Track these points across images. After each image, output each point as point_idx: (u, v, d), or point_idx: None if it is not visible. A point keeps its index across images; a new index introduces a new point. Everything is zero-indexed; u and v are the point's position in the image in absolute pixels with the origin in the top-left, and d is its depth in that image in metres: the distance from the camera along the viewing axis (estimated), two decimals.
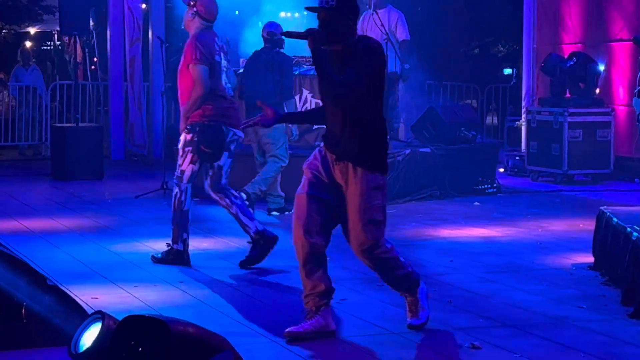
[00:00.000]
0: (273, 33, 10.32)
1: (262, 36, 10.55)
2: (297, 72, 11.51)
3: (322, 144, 5.65)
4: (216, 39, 7.87)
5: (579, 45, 13.78)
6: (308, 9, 5.64)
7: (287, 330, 5.44)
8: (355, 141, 5.41)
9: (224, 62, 7.87)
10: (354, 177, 5.40)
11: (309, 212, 5.45)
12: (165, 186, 11.61)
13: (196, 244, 8.06)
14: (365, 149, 5.43)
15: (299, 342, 5.36)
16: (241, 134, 7.84)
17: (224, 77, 7.86)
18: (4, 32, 26.21)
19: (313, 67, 11.23)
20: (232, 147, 7.75)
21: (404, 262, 5.62)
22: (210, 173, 7.72)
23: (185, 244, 7.71)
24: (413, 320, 5.63)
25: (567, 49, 13.76)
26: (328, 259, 5.64)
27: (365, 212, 5.39)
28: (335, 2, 5.36)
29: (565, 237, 8.91)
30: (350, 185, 5.42)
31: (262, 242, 7.64)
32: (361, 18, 12.82)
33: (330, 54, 5.46)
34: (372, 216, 5.41)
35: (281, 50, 10.43)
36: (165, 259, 7.74)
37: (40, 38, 27.07)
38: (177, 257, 7.71)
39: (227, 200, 7.73)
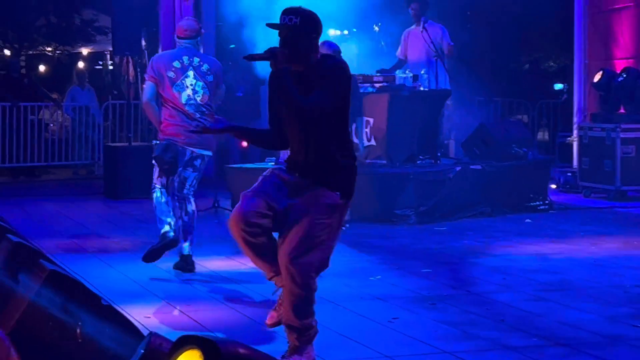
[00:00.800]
0: (337, 51, 10.28)
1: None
2: None
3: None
4: (184, 56, 8.17)
5: (631, 60, 13.66)
6: (269, 25, 5.21)
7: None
8: (320, 165, 5.16)
9: (189, 79, 8.10)
10: (312, 191, 5.12)
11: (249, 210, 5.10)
12: (217, 205, 11.67)
13: (244, 262, 8.07)
14: (331, 172, 5.15)
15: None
16: (204, 151, 8.15)
17: (184, 93, 8.06)
18: (58, 53, 26.50)
19: (364, 85, 11.34)
20: (196, 163, 8.16)
21: (313, 312, 5.17)
22: (177, 179, 8.22)
23: (171, 227, 8.06)
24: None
25: (619, 64, 13.65)
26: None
27: (308, 224, 5.03)
28: (299, 20, 5.10)
29: (620, 254, 8.83)
30: (306, 197, 5.11)
31: (180, 262, 8.22)
32: (405, 35, 12.80)
33: (290, 74, 5.14)
34: (315, 232, 5.04)
35: None
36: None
37: (92, 58, 27.35)
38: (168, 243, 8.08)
39: (181, 210, 8.22)
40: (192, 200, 8.32)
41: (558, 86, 22.16)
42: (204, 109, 8.12)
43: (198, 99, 8.12)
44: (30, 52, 26.21)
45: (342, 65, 5.21)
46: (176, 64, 8.12)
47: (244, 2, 12.80)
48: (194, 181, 8.29)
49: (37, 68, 26.90)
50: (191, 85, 8.11)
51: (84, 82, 18.01)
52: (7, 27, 24.56)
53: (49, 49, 26.31)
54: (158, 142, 8.35)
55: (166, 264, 8.58)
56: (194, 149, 8.11)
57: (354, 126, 10.10)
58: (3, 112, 16.46)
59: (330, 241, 5.15)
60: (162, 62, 8.18)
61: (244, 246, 5.18)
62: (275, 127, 5.37)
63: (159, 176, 8.21)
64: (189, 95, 8.08)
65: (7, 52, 24.94)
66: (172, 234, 8.04)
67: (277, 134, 5.37)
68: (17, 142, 16.50)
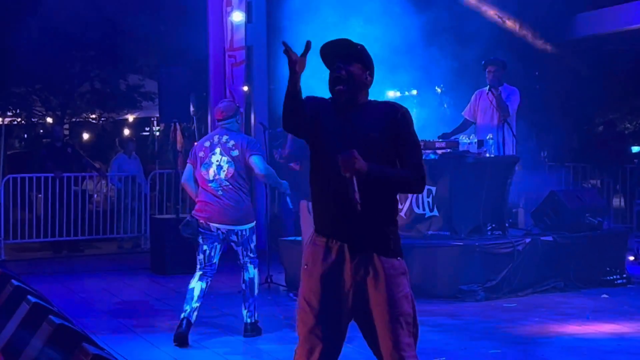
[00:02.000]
0: None
1: None
2: None
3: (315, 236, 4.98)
4: (216, 136, 9.04)
5: None
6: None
7: None
8: (374, 228, 4.85)
9: (215, 156, 8.88)
10: (377, 267, 4.81)
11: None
12: (270, 280, 11.69)
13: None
14: (386, 235, 4.88)
15: None
16: (231, 226, 8.87)
17: (211, 169, 8.89)
18: (102, 120, 26.79)
19: (426, 152, 11.35)
20: (232, 238, 8.95)
21: None
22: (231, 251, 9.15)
23: (185, 314, 8.82)
24: None
25: None
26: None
27: (394, 305, 4.78)
28: (356, 51, 4.93)
29: None
30: (376, 278, 4.80)
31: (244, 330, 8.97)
32: (475, 96, 12.86)
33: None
34: (404, 309, 4.80)
35: None
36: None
37: (138, 125, 27.66)
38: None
39: (241, 279, 9.07)
40: (249, 267, 9.03)
41: (635, 149, 22.04)
42: (228, 183, 8.84)
43: (222, 174, 8.85)
44: (74, 120, 26.53)
45: (403, 110, 4.95)
46: (207, 143, 9.02)
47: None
48: (244, 251, 8.99)
49: (80, 136, 27.21)
50: (217, 161, 8.89)
51: (130, 150, 18.15)
52: (49, 93, 24.89)
53: (93, 115, 26.60)
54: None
55: (220, 346, 8.62)
56: (219, 225, 8.89)
57: None
58: (45, 183, 16.67)
59: (415, 307, 4.89)
60: (198, 145, 9.11)
61: None
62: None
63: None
64: (214, 172, 8.88)
65: (49, 119, 25.27)
66: (184, 322, 8.75)
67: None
68: (60, 215, 16.66)
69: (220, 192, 8.81)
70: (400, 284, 4.82)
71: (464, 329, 9.14)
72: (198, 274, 8.96)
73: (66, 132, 23.47)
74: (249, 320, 8.91)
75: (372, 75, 5.00)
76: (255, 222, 9.08)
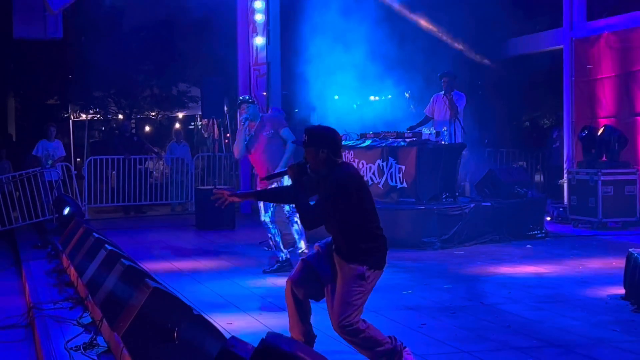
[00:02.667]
0: (282, 114, 10.54)
1: None
2: (384, 144, 11.55)
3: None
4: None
5: (613, 119, 13.56)
6: (294, 142, 5.33)
7: None
8: (345, 245, 5.02)
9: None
10: (342, 265, 5.01)
11: (301, 276, 5.17)
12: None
13: None
14: (354, 252, 4.99)
15: None
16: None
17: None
18: (159, 117, 26.81)
19: (397, 140, 11.35)
20: None
21: (382, 340, 5.02)
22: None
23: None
24: None
25: (603, 122, 13.58)
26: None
27: (345, 293, 4.95)
28: (307, 138, 5.02)
29: (601, 273, 8.70)
30: (341, 267, 5.02)
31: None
32: (433, 99, 12.84)
33: (318, 178, 5.07)
34: (351, 299, 4.95)
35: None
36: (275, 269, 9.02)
37: (186, 120, 27.62)
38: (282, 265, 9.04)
39: (292, 223, 9.14)
40: (293, 219, 9.03)
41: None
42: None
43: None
44: (139, 116, 26.53)
45: (338, 182, 4.93)
46: None
47: (300, 75, 12.96)
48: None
49: (144, 128, 27.20)
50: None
51: (180, 139, 18.17)
52: (120, 96, 24.97)
53: (153, 113, 26.62)
54: None
55: (246, 281, 8.62)
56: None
57: None
58: (118, 163, 16.67)
59: (362, 302, 5.03)
60: None
61: (289, 300, 5.22)
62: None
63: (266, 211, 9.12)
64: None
65: (120, 116, 25.29)
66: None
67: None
68: (128, 186, 16.68)
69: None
70: (357, 283, 4.96)
71: (424, 270, 9.14)
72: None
73: (133, 126, 23.41)
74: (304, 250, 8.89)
75: (327, 148, 5.00)
76: None
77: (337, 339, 5.82)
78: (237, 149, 9.21)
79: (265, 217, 9.08)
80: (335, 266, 5.07)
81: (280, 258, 9.08)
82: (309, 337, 5.27)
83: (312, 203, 5.04)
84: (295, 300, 5.21)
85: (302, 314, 5.24)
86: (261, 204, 9.08)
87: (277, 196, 5.80)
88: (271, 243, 9.27)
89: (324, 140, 5.03)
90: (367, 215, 5.02)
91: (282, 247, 9.11)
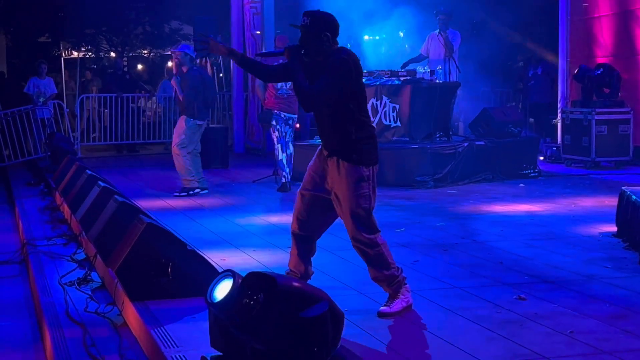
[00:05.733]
0: (192, 57, 11.14)
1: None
2: (377, 83, 11.49)
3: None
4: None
5: (611, 58, 13.47)
6: (292, 25, 5.20)
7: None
8: (337, 140, 4.95)
9: None
10: (341, 170, 4.93)
11: (300, 208, 5.15)
12: (276, 173, 11.67)
13: None
14: (348, 146, 4.92)
15: (381, 294, 5.31)
16: (290, 115, 10.55)
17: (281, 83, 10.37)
18: (152, 55, 26.60)
19: (391, 78, 11.29)
20: (290, 122, 10.62)
21: (391, 263, 5.03)
22: (282, 132, 10.62)
23: (285, 183, 10.48)
24: (385, 308, 5.00)
25: (600, 61, 13.48)
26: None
27: (351, 201, 4.90)
28: (309, 21, 4.89)
29: (594, 211, 8.75)
30: (340, 178, 4.94)
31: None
32: (428, 37, 12.76)
33: (313, 65, 4.92)
34: (359, 204, 4.91)
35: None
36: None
37: None
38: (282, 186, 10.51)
39: (287, 148, 10.61)
40: (290, 145, 10.58)
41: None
42: (291, 91, 10.08)
43: (288, 85, 10.19)
44: (131, 54, 26.32)
45: (341, 60, 4.83)
46: None
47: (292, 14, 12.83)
48: (292, 133, 10.62)
49: (136, 67, 27.01)
50: None
51: (172, 77, 18.01)
52: (112, 34, 24.73)
53: (145, 51, 26.41)
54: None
55: (240, 219, 8.65)
56: (284, 113, 10.43)
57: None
58: (110, 101, 16.58)
59: (372, 203, 5.00)
60: None
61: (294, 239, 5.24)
62: (274, 74, 5.25)
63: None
64: (283, 84, 10.25)
65: (112, 54, 25.09)
66: (287, 183, 10.48)
67: (272, 76, 5.36)
68: (121, 125, 16.61)
69: (286, 95, 10.36)
70: (359, 187, 4.93)
71: (418, 208, 9.17)
72: (278, 146, 10.47)
73: (125, 64, 23.21)
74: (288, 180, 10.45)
75: (329, 31, 4.90)
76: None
77: (331, 275, 5.87)
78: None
79: (282, 157, 10.46)
80: (329, 175, 5.01)
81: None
82: (307, 274, 5.26)
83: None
84: (298, 236, 5.18)
85: (304, 250, 5.21)
86: (278, 146, 10.47)
87: (260, 71, 5.31)
88: (283, 180, 10.52)
89: (326, 23, 4.94)
90: (361, 104, 4.98)
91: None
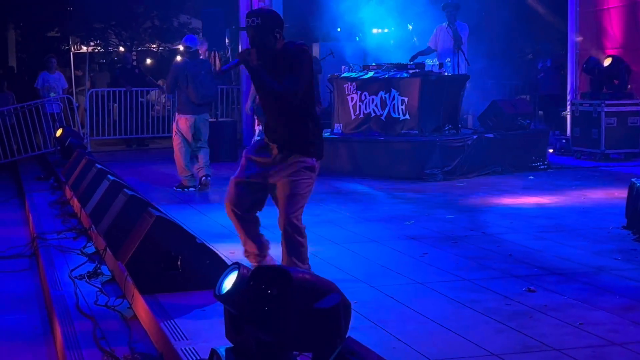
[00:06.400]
0: (189, 47, 10.57)
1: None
2: (386, 76, 11.47)
3: (263, 136, 5.21)
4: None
5: (620, 50, 13.41)
6: (239, 29, 5.23)
7: None
8: (296, 138, 5.03)
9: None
10: (292, 161, 5.05)
11: (236, 194, 5.22)
12: None
13: (308, 211, 8.09)
14: (307, 142, 5.04)
15: (390, 286, 5.32)
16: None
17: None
18: (160, 49, 26.64)
19: (400, 71, 11.27)
20: None
21: (307, 259, 5.17)
22: None
23: None
24: None
25: (609, 53, 13.43)
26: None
27: (299, 186, 5.04)
28: (260, 20, 4.87)
29: (603, 203, 8.73)
30: (288, 166, 5.05)
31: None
32: (437, 30, 12.73)
33: (266, 64, 4.90)
34: (305, 191, 5.06)
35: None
36: None
37: None
38: None
39: None
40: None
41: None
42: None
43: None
44: (140, 49, 26.37)
45: (304, 48, 4.89)
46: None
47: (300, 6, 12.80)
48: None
49: (145, 61, 27.05)
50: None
51: None
52: (121, 28, 24.79)
53: (154, 46, 26.45)
54: None
55: None
56: None
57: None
58: (120, 95, 16.60)
59: (309, 194, 5.14)
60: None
61: (233, 220, 5.32)
62: None
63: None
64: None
65: (121, 48, 25.13)
66: None
67: None
68: (131, 119, 16.62)
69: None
70: (307, 175, 5.06)
71: (427, 201, 9.16)
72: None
73: (134, 58, 23.26)
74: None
75: (279, 27, 4.93)
76: None
77: (341, 268, 5.88)
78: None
79: None
80: (269, 165, 5.09)
81: None
82: (262, 246, 5.42)
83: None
84: (238, 217, 5.29)
85: (249, 228, 5.34)
86: None
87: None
88: None
89: (275, 20, 4.98)
90: (313, 97, 5.05)
91: None
